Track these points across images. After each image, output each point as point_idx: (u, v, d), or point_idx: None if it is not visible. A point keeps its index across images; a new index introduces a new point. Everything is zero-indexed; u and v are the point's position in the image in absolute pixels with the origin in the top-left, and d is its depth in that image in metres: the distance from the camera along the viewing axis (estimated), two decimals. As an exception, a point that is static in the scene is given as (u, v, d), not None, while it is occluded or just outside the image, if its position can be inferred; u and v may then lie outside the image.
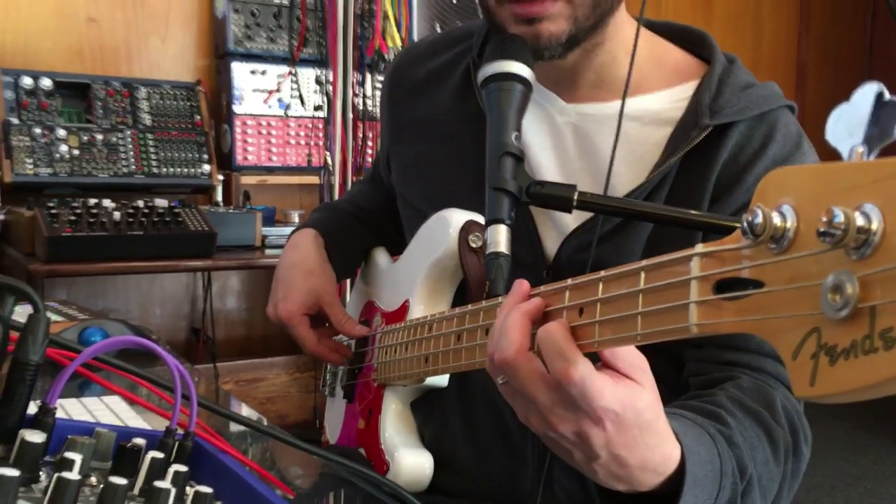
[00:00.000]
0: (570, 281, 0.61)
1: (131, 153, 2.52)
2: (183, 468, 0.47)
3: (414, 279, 1.06)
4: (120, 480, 0.41)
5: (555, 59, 0.90)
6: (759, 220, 0.43)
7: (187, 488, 0.45)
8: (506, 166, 0.83)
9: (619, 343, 0.57)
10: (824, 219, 0.39)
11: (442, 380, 1.03)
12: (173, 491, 0.43)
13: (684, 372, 0.90)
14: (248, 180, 2.73)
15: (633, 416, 0.59)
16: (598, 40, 0.93)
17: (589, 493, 0.94)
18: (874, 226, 0.37)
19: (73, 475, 0.40)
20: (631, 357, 0.60)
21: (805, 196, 0.42)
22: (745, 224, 0.44)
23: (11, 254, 2.33)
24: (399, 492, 0.71)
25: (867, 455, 3.40)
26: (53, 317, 1.39)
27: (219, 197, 2.65)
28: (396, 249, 1.29)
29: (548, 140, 0.99)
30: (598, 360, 0.61)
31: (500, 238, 0.80)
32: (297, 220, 2.72)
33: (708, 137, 0.89)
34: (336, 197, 2.30)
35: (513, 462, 0.98)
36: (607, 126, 0.95)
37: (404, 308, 1.07)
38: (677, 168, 0.91)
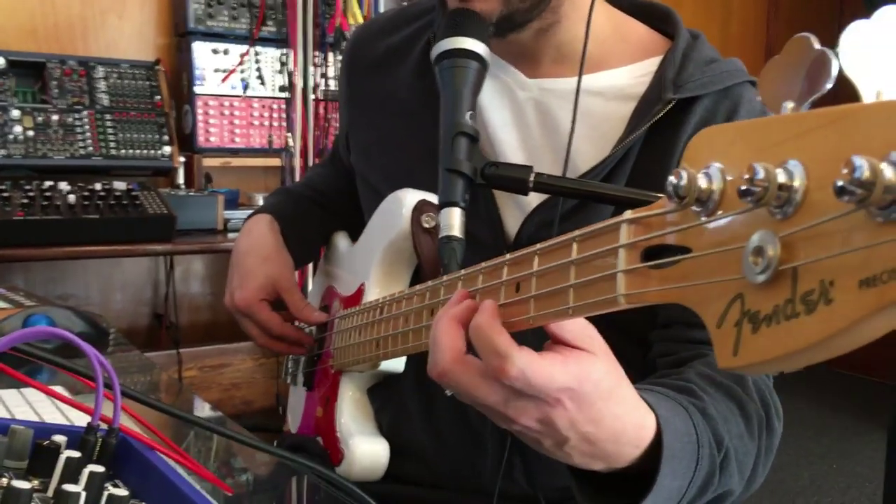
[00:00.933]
0: (508, 256, 0.59)
1: (88, 134, 2.45)
2: (99, 468, 0.44)
3: (369, 262, 1.03)
4: (23, 484, 0.38)
5: (513, 36, 0.88)
6: (684, 181, 0.41)
7: (105, 491, 0.42)
8: (459, 147, 0.80)
9: (553, 318, 0.55)
10: (746, 176, 0.36)
11: (398, 364, 1.00)
12: (83, 495, 0.40)
13: (651, 353, 0.89)
14: (210, 162, 2.67)
15: (591, 388, 0.57)
16: (551, 20, 0.91)
17: (552, 476, 0.92)
18: (796, 182, 0.35)
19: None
20: (577, 326, 0.57)
21: (731, 155, 0.40)
22: (669, 187, 0.42)
23: (-37, 238, 2.26)
24: (347, 486, 0.69)
25: (832, 433, 3.44)
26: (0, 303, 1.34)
27: (180, 179, 2.59)
28: (358, 233, 1.26)
29: (509, 116, 0.97)
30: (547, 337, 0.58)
31: (453, 221, 0.78)
32: (260, 202, 2.66)
33: (672, 112, 0.88)
34: (297, 177, 2.25)
35: (472, 448, 0.96)
36: (569, 101, 0.93)
37: (360, 292, 1.05)
38: (641, 143, 0.89)
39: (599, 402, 0.58)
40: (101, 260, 2.69)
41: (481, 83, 0.85)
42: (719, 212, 0.41)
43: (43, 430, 0.49)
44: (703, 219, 0.42)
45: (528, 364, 0.54)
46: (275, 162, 2.65)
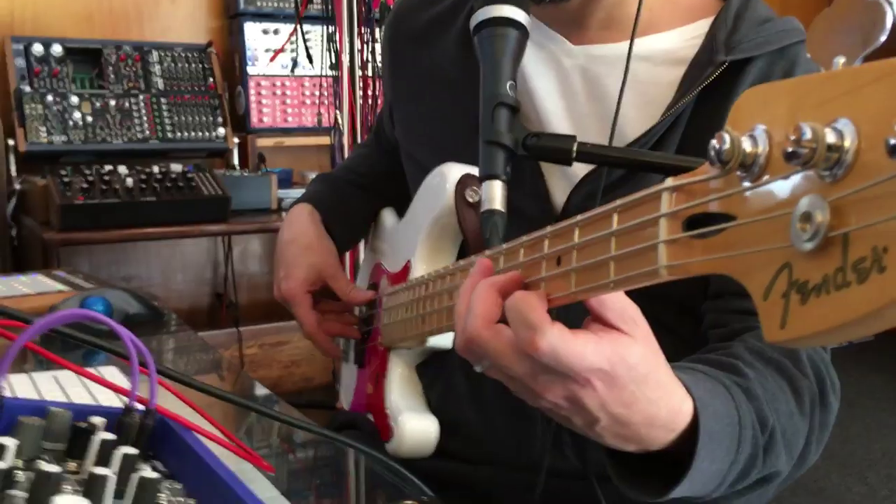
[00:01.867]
0: (548, 228, 0.57)
1: (145, 118, 2.49)
2: (132, 450, 0.43)
3: (415, 238, 1.02)
4: (52, 467, 0.38)
5: (560, 2, 0.85)
6: (727, 145, 0.39)
7: (136, 473, 0.42)
8: (500, 118, 0.78)
9: (594, 292, 0.52)
10: (792, 137, 0.34)
11: (445, 341, 0.99)
12: (112, 477, 0.40)
13: (703, 325, 0.86)
14: (263, 142, 2.69)
15: (624, 370, 0.55)
16: None
17: (597, 453, 0.90)
18: (847, 142, 0.32)
19: (2, 464, 0.37)
20: (620, 305, 0.55)
21: (778, 116, 0.37)
22: (711, 151, 0.39)
23: (28, 224, 2.33)
24: (392, 465, 0.68)
25: (906, 406, 3.33)
26: (59, 286, 1.37)
27: (235, 160, 2.62)
28: (404, 209, 1.26)
29: (555, 85, 0.94)
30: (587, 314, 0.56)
31: (494, 194, 0.76)
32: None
33: (724, 75, 0.84)
34: (346, 155, 2.25)
35: (520, 424, 0.95)
36: (617, 68, 0.90)
37: (406, 268, 1.04)
38: (691, 109, 0.86)
39: (632, 385, 0.56)
40: (162, 242, 2.74)
41: (522, 52, 0.82)
42: (765, 177, 0.38)
43: (81, 411, 0.49)
44: (748, 184, 0.39)
45: (559, 340, 0.53)
46: (326, 140, 2.65)
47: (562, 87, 0.94)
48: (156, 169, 2.26)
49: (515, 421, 0.95)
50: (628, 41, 0.90)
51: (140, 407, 0.50)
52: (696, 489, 0.64)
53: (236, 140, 2.62)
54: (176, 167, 2.29)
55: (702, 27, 0.90)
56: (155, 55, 2.59)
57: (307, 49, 2.24)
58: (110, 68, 2.52)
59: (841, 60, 0.37)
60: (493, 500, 0.96)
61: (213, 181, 2.23)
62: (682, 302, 0.87)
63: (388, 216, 1.22)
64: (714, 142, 0.40)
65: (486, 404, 0.98)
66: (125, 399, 0.50)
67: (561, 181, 0.92)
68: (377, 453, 0.69)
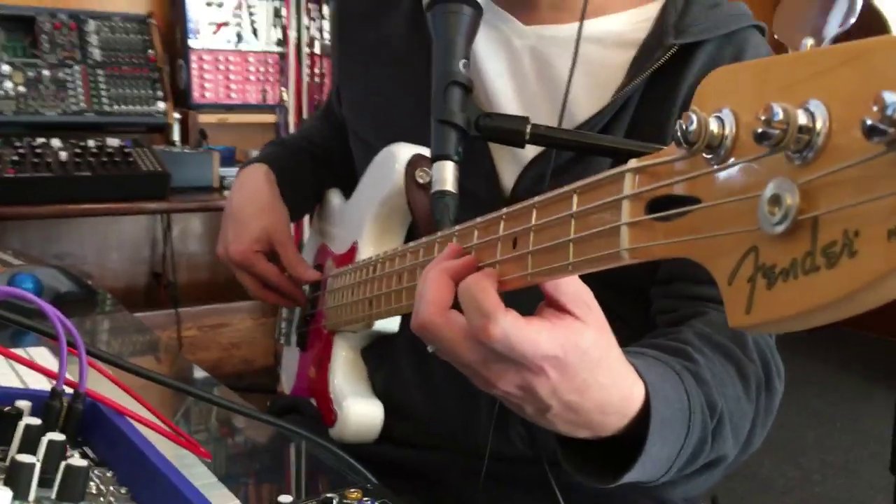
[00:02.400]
0: (504, 210, 0.56)
1: (80, 90, 2.40)
2: (59, 437, 0.41)
3: (362, 219, 1.00)
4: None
5: None
6: (694, 126, 0.38)
7: (62, 461, 0.39)
8: (452, 97, 0.77)
9: (551, 275, 0.51)
10: (763, 117, 0.33)
11: (392, 324, 0.98)
12: (37, 465, 0.37)
13: (651, 310, 0.86)
14: (206, 119, 2.62)
15: (577, 357, 0.54)
16: None
17: (547, 438, 0.90)
18: (818, 125, 0.32)
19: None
20: (574, 289, 0.54)
21: (745, 97, 0.36)
22: (677, 132, 0.39)
23: (-46, 197, 2.23)
24: (335, 451, 0.66)
25: (838, 392, 3.43)
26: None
27: (175, 136, 2.55)
28: (351, 189, 1.23)
29: (505, 65, 0.93)
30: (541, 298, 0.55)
31: (446, 175, 0.75)
32: (258, 159, 2.63)
33: (673, 58, 0.84)
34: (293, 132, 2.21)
35: (467, 408, 0.94)
36: (567, 49, 0.89)
37: (353, 250, 1.02)
38: (641, 92, 0.85)
39: (585, 372, 0.55)
40: (97, 219, 2.66)
41: (475, 30, 0.81)
42: (732, 159, 0.37)
43: (5, 394, 0.46)
44: (715, 166, 0.38)
45: (512, 327, 0.52)
46: (270, 118, 2.60)
47: (512, 67, 0.92)
48: (91, 143, 2.18)
49: (462, 405, 0.94)
50: (578, 22, 0.89)
51: (69, 390, 0.47)
52: (647, 474, 0.64)
53: (177, 115, 2.54)
54: (113, 142, 2.21)
55: (652, 10, 0.89)
56: (92, 24, 2.49)
57: (252, 23, 2.18)
58: (44, 37, 2.42)
59: (809, 42, 0.36)
60: (440, 485, 0.95)
61: (152, 157, 2.16)
62: (637, 290, 0.87)
63: (334, 197, 1.19)
64: (681, 122, 0.39)
65: (433, 389, 0.96)
66: (53, 382, 0.47)
67: (510, 164, 0.91)
68: (320, 439, 0.67)
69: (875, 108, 0.28)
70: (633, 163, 0.45)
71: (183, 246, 2.87)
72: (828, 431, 3.04)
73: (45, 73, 2.37)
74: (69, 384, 0.47)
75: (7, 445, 0.44)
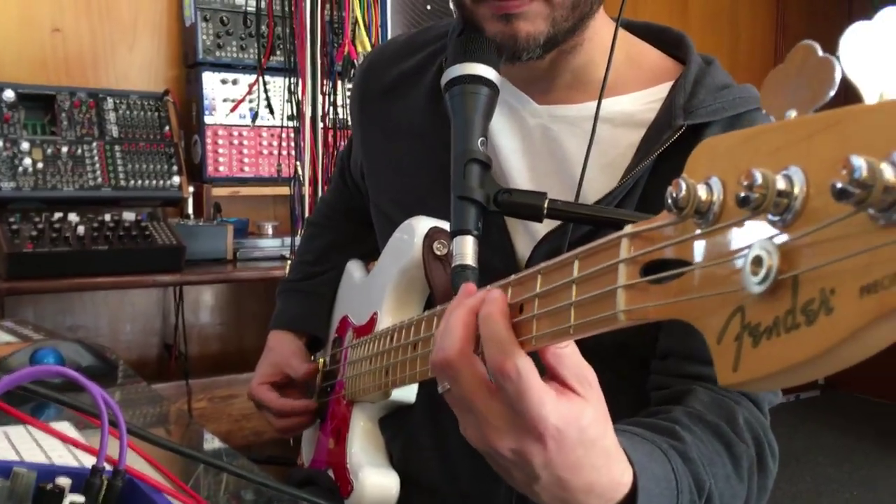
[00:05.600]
0: (513, 277, 0.58)
1: (98, 165, 2.46)
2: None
3: (382, 291, 1.02)
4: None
5: (532, 61, 0.87)
6: (683, 192, 0.40)
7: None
8: (472, 174, 0.80)
9: (555, 338, 0.53)
10: (744, 182, 0.35)
11: (409, 394, 0.99)
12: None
13: (647, 385, 0.87)
14: (219, 192, 2.68)
15: (576, 433, 0.55)
16: (576, 41, 0.90)
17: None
18: (796, 189, 0.34)
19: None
20: (576, 367, 0.56)
21: (732, 164, 0.39)
22: (668, 199, 0.41)
23: (-27, 271, 2.26)
24: None
25: (852, 461, 3.37)
26: (6, 337, 1.34)
27: (190, 210, 2.60)
28: (370, 257, 1.28)
29: (518, 142, 0.96)
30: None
31: (466, 250, 0.77)
32: (270, 231, 2.67)
33: (682, 139, 0.86)
34: (307, 209, 2.25)
35: (484, 479, 0.94)
36: (578, 128, 0.92)
37: (372, 321, 1.04)
38: (650, 171, 0.88)
39: (580, 450, 0.56)
40: (110, 291, 2.69)
41: (493, 109, 0.84)
42: (719, 223, 0.40)
43: (47, 472, 0.48)
44: (702, 230, 0.40)
45: (527, 372, 0.53)
46: (283, 190, 2.65)
47: (524, 145, 0.96)
48: (108, 217, 2.23)
49: (479, 478, 0.94)
50: (591, 102, 0.92)
51: (108, 467, 0.49)
52: None
53: (191, 189, 2.60)
54: (129, 215, 2.26)
55: (662, 91, 0.92)
56: (110, 102, 2.57)
57: (268, 100, 2.24)
58: (63, 115, 2.49)
59: (793, 114, 0.39)
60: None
61: (167, 230, 2.20)
62: (642, 356, 0.88)
63: (354, 269, 1.22)
64: (671, 189, 0.41)
65: (450, 461, 0.97)
66: (80, 456, 0.49)
67: (525, 237, 0.93)
68: None
69: (844, 172, 0.31)
70: (628, 228, 0.47)
71: (194, 317, 2.89)
72: (843, 499, 2.99)
73: (64, 149, 2.43)
74: (108, 461, 0.49)
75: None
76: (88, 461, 0.66)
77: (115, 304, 2.76)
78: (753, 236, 0.37)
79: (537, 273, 0.57)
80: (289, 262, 2.28)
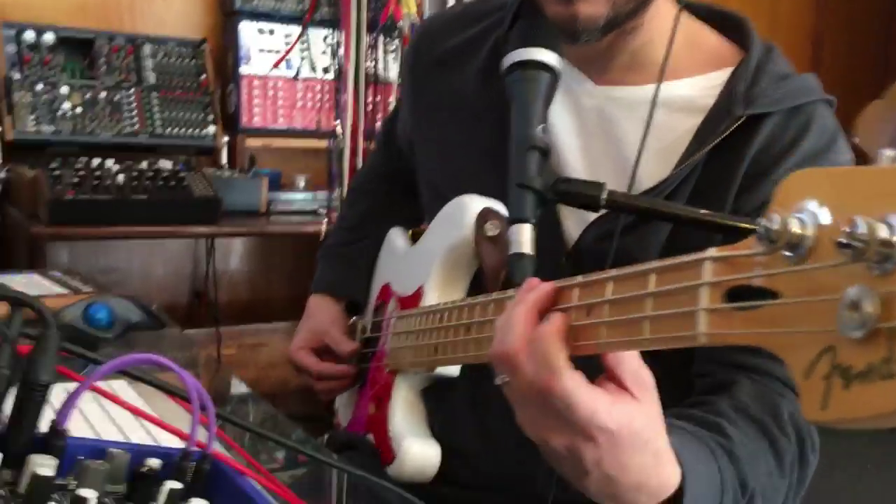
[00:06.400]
0: (580, 278, 0.58)
1: (135, 112, 2.47)
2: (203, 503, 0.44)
3: (429, 265, 1.03)
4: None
5: (588, 42, 0.86)
6: (776, 225, 0.40)
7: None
8: (531, 162, 0.79)
9: (626, 347, 0.54)
10: (846, 229, 0.36)
11: (453, 369, 1.00)
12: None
13: (691, 371, 0.88)
14: (252, 142, 2.68)
15: (628, 435, 0.56)
16: (636, 23, 0.88)
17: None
18: None
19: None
20: (634, 368, 0.57)
21: (828, 202, 0.39)
22: (760, 229, 0.41)
23: (13, 214, 2.29)
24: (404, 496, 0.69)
25: (868, 434, 3.37)
26: (56, 289, 1.37)
27: (223, 159, 2.61)
28: (411, 224, 1.28)
29: (572, 123, 0.96)
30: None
31: (523, 238, 0.77)
32: (302, 185, 2.67)
33: (739, 128, 0.85)
34: (346, 163, 2.25)
35: (525, 453, 0.96)
36: (635, 111, 0.92)
37: (419, 294, 1.05)
38: (705, 159, 0.87)
39: (631, 450, 0.57)
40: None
41: (553, 95, 0.84)
42: (810, 260, 0.39)
43: (138, 453, 0.50)
44: (795, 266, 0.40)
45: (575, 389, 0.54)
46: (316, 144, 2.65)
47: (579, 125, 0.95)
48: (145, 165, 2.24)
49: (520, 450, 0.96)
50: (648, 84, 0.92)
51: (196, 450, 0.51)
52: None
53: (225, 139, 2.60)
54: (166, 164, 2.27)
55: (721, 77, 0.91)
56: (148, 48, 2.56)
57: (310, 56, 2.23)
58: (102, 59, 2.49)
59: (889, 154, 0.39)
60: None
61: (204, 181, 2.22)
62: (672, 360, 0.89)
63: (397, 237, 1.23)
64: (763, 221, 0.42)
65: (490, 433, 0.99)
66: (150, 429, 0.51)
67: (573, 217, 0.93)
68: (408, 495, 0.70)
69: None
70: (712, 252, 0.47)
71: (224, 265, 2.92)
72: (859, 474, 3.01)
73: (102, 94, 2.44)
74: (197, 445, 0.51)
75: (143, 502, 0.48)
76: (161, 436, 0.69)
77: (147, 250, 2.79)
78: (850, 279, 0.37)
79: (608, 279, 0.57)
80: (323, 218, 2.30)
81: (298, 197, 2.54)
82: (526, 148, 0.80)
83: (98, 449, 0.49)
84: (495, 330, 0.61)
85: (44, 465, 0.44)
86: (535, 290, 0.59)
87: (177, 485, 0.46)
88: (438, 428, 1.02)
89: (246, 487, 0.50)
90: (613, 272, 0.56)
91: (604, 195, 0.78)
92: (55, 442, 0.47)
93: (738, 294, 0.46)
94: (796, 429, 0.79)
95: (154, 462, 0.50)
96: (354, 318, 1.25)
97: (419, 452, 0.99)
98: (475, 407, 1.01)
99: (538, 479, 0.95)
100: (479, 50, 1.03)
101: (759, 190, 0.87)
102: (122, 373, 0.50)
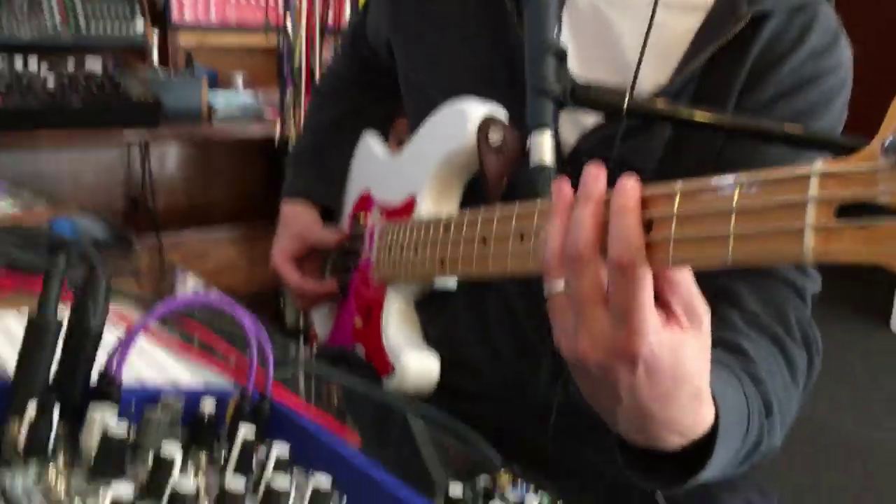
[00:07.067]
0: (650, 188, 0.53)
1: (55, 8, 2.29)
2: (285, 452, 0.42)
3: (422, 173, 0.99)
4: (237, 486, 0.36)
5: None
6: None
7: (305, 484, 0.40)
8: (548, 66, 0.76)
9: (702, 265, 0.50)
10: None
11: (450, 280, 0.98)
12: (293, 493, 0.38)
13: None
14: (186, 39, 2.53)
15: (670, 363, 0.52)
16: None
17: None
18: None
19: (189, 487, 0.35)
20: (689, 297, 0.53)
21: None
22: (886, 144, 0.39)
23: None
24: (466, 434, 0.67)
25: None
26: (5, 202, 1.28)
27: (154, 58, 2.45)
28: (385, 128, 1.23)
29: (566, 22, 0.92)
30: None
31: (544, 147, 0.75)
32: (240, 83, 2.55)
33: (741, 28, 0.83)
34: (299, 61, 2.14)
35: (527, 360, 0.96)
36: (631, 11, 0.88)
37: (409, 204, 1.01)
38: (706, 61, 0.85)
39: (669, 382, 0.53)
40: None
41: None
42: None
43: (192, 395, 0.47)
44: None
45: (645, 282, 0.50)
46: (253, 40, 2.52)
47: (573, 25, 0.92)
48: (72, 67, 2.10)
49: (522, 358, 0.96)
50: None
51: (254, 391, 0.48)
52: (701, 480, 0.62)
53: (156, 35, 2.45)
54: (94, 64, 2.12)
55: None
56: (63, -64, 2.36)
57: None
58: (14, -50, 2.28)
59: None
60: (503, 435, 0.98)
61: (141, 84, 2.09)
62: None
63: (374, 143, 1.18)
64: (893, 133, 0.40)
65: (491, 341, 0.98)
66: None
67: (566, 122, 0.91)
68: (451, 421, 0.68)
69: None
70: (820, 166, 0.45)
71: (159, 169, 2.80)
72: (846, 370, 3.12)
73: (17, -12, 2.25)
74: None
75: (205, 448, 0.45)
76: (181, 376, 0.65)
77: (77, 157, 2.64)
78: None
79: (673, 193, 0.53)
80: (273, 120, 2.20)
81: (240, 98, 2.43)
82: (542, 52, 0.76)
83: (151, 394, 0.46)
84: (550, 234, 0.55)
85: (107, 418, 0.40)
86: (598, 184, 0.54)
87: (251, 430, 0.43)
88: (436, 338, 1.00)
89: (308, 426, 0.47)
90: (679, 184, 0.51)
91: (626, 103, 0.76)
92: (110, 390, 0.43)
93: (849, 210, 0.43)
94: (803, 333, 0.80)
95: (209, 404, 0.47)
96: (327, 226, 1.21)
97: (419, 364, 0.97)
98: (475, 315, 0.99)
99: (539, 385, 0.96)
100: None
101: (764, 89, 0.86)
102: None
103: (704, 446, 0.59)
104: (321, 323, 1.24)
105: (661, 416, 0.55)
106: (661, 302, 0.53)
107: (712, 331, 0.75)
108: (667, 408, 0.55)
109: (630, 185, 0.52)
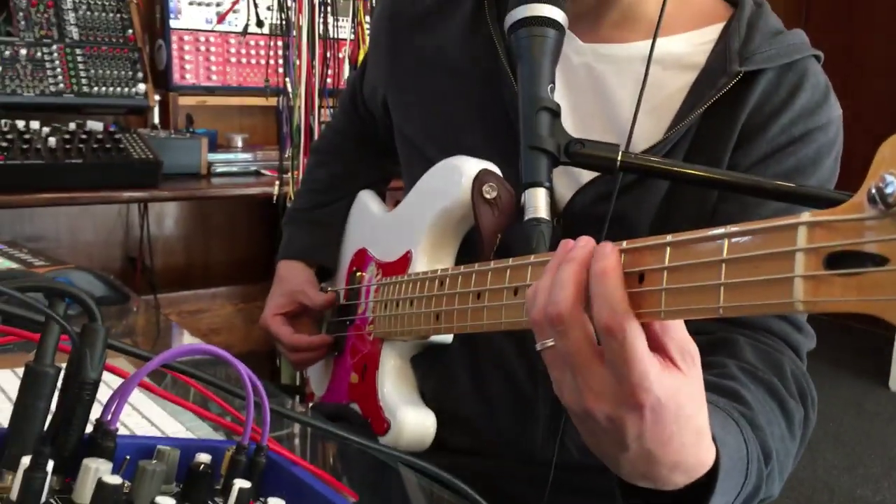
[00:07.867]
0: (624, 244, 0.55)
1: (59, 70, 2.33)
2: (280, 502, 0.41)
3: (418, 229, 1.00)
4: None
5: None
6: (891, 188, 0.39)
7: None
8: (542, 123, 0.77)
9: (694, 315, 0.50)
10: None
11: (447, 336, 0.98)
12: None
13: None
14: (186, 101, 2.57)
15: (673, 408, 0.53)
16: None
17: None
18: None
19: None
20: (682, 340, 0.54)
21: None
22: (872, 191, 0.40)
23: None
24: (443, 476, 0.67)
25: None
26: (3, 262, 1.28)
27: (156, 119, 2.49)
28: (380, 188, 1.24)
29: (561, 80, 0.94)
30: None
31: (538, 203, 0.75)
32: (240, 144, 2.59)
33: (733, 84, 0.85)
34: (298, 121, 2.17)
35: (523, 416, 0.96)
36: (625, 68, 0.91)
37: (406, 259, 1.02)
38: (700, 118, 0.87)
39: (674, 426, 0.54)
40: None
41: (559, 52, 0.81)
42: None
43: (186, 448, 0.47)
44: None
45: (635, 337, 0.51)
46: (253, 101, 2.56)
47: (567, 83, 0.93)
48: (73, 126, 2.12)
49: (518, 413, 0.96)
50: (638, 42, 0.91)
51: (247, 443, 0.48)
52: None
53: (157, 97, 2.49)
54: (96, 125, 2.15)
55: (712, 33, 0.91)
56: (69, 2, 2.41)
57: (258, 16, 2.14)
58: (20, 14, 2.33)
59: None
60: (498, 492, 0.97)
61: (141, 143, 2.11)
62: None
63: (369, 200, 1.19)
64: (876, 182, 0.40)
65: (487, 396, 0.98)
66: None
67: (562, 178, 0.92)
68: (456, 481, 0.67)
69: None
70: (807, 216, 0.45)
71: (158, 230, 2.81)
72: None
73: (22, 51, 2.29)
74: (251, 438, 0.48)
75: (197, 500, 0.45)
76: (168, 428, 0.65)
77: (75, 215, 2.66)
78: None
79: (665, 245, 0.54)
80: (273, 179, 2.22)
81: (239, 157, 2.46)
82: (536, 108, 0.77)
83: (146, 447, 0.46)
84: (536, 293, 0.57)
85: (101, 470, 0.40)
86: (582, 247, 0.55)
87: (245, 483, 0.42)
88: (431, 393, 1.00)
89: (305, 478, 0.47)
90: (670, 237, 0.52)
91: (619, 157, 0.77)
92: (105, 443, 0.43)
93: (833, 261, 0.44)
94: (799, 389, 0.80)
95: (205, 457, 0.46)
96: (323, 284, 1.21)
97: (415, 421, 0.97)
98: (471, 370, 0.99)
99: (536, 441, 0.95)
100: (459, 6, 1.00)
101: (756, 147, 0.88)
102: (166, 367, 0.46)
103: (705, 485, 0.60)
104: (317, 380, 1.23)
105: (666, 458, 0.56)
106: (656, 346, 0.54)
107: (711, 378, 0.76)
108: (671, 450, 0.55)
109: (609, 250, 0.53)
